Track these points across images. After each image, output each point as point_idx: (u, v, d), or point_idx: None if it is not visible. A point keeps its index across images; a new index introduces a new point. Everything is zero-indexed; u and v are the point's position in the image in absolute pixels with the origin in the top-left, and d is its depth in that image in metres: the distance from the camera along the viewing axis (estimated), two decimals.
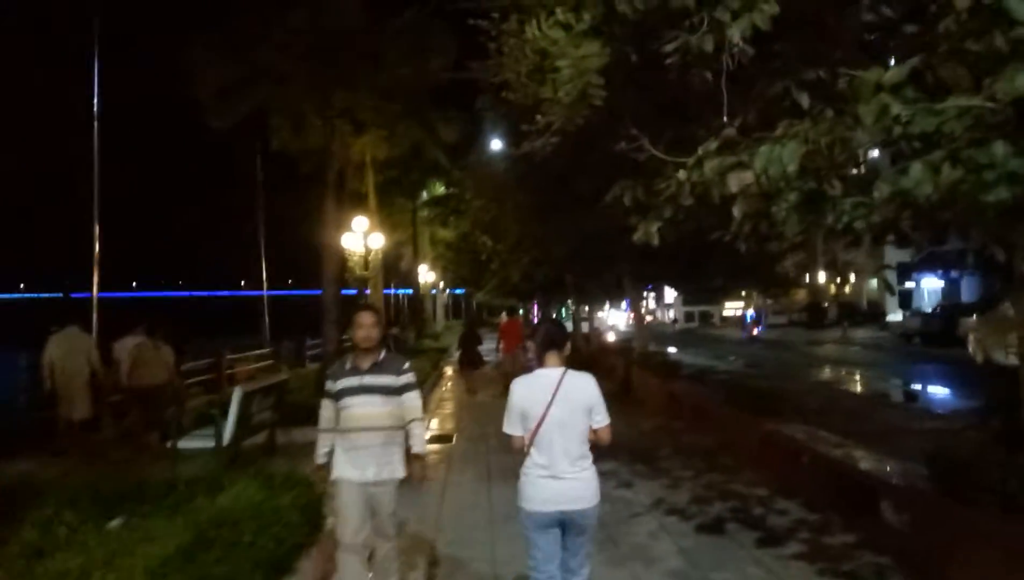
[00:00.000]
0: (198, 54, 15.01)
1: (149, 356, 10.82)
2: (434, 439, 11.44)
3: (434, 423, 13.41)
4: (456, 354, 20.93)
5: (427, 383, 18.09)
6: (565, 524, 3.99)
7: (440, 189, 35.18)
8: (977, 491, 4.75)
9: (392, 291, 58.87)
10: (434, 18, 16.19)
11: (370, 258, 19.67)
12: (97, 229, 15.73)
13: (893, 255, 50.48)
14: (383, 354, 4.80)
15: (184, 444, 8.25)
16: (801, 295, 61.18)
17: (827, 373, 22.80)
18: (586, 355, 22.38)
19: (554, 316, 31.77)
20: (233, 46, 14.68)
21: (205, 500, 5.75)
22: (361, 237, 19.29)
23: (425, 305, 47.21)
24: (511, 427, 4.04)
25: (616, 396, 16.00)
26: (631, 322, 28.21)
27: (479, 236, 21.63)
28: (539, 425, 3.92)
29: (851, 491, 6.47)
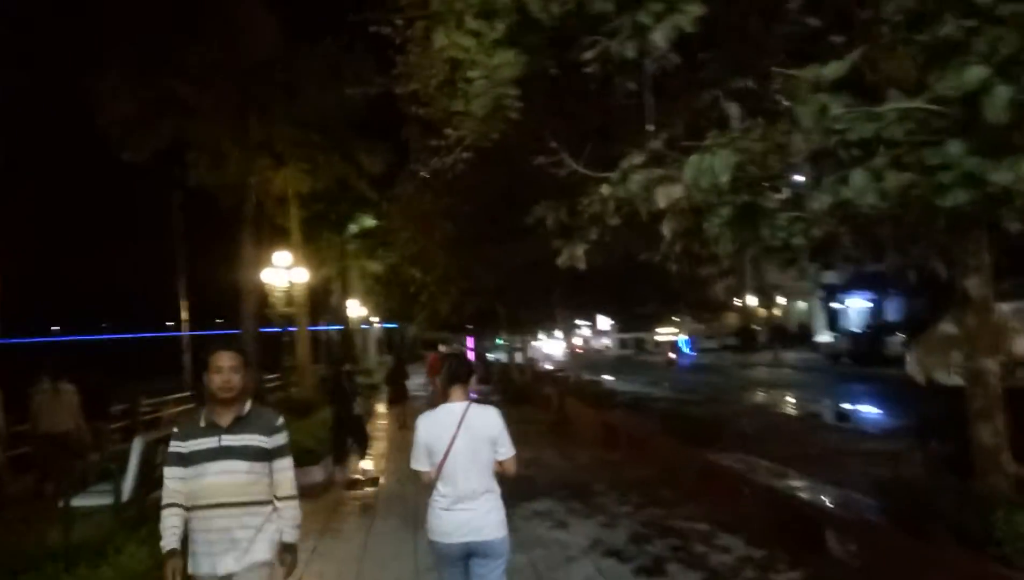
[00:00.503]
0: (102, 84, 14.24)
1: (49, 402, 10.28)
2: (359, 483, 10.80)
3: (362, 463, 12.76)
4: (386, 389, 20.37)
5: None
6: (471, 556, 3.99)
7: (369, 222, 34.53)
8: (930, 522, 4.45)
9: (323, 327, 57.72)
10: (352, 45, 15.75)
11: (294, 293, 18.89)
12: None
13: (824, 276, 51.90)
14: (248, 407, 3.69)
15: (80, 501, 7.45)
16: (732, 319, 62.06)
17: (762, 396, 22.83)
18: (520, 386, 21.96)
19: (478, 349, 31.25)
20: (139, 76, 13.98)
21: (87, 571, 5.09)
22: (283, 272, 18.53)
23: (356, 340, 46.21)
24: (417, 463, 4.08)
25: (552, 427, 15.59)
26: (566, 351, 28.02)
27: (407, 268, 21.09)
28: (444, 458, 3.96)
29: (796, 524, 6.15)
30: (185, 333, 27.62)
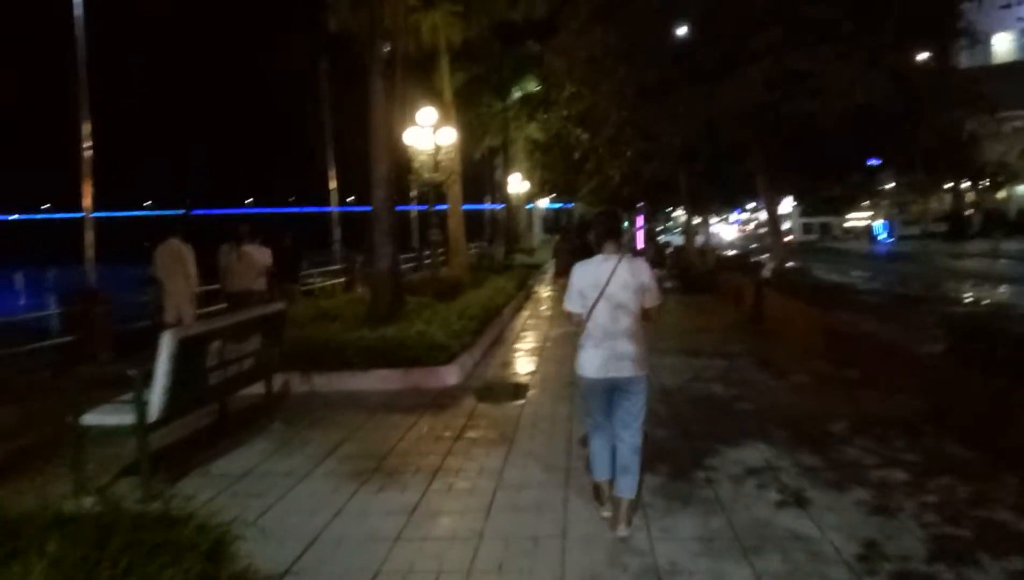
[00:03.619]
0: None
1: (235, 264, 11.99)
2: (496, 392, 8.27)
3: (506, 366, 10.26)
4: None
5: (509, 306, 14.92)
6: (615, 390, 4.47)
7: (532, 86, 31.35)
8: None
9: (487, 206, 55.97)
10: None
11: (442, 158, 16.34)
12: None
13: None
14: None
15: (93, 420, 5.30)
16: (933, 204, 54.74)
17: (1020, 296, 18.26)
18: (701, 272, 18.70)
19: (649, 229, 28.02)
20: None
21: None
22: (429, 133, 15.96)
23: (520, 218, 43.96)
24: (571, 305, 4.56)
25: (748, 327, 12.40)
26: (743, 235, 24.12)
27: (572, 130, 18.01)
28: (596, 301, 4.38)
29: None
30: (335, 208, 26.21)
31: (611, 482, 4.59)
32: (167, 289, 10.96)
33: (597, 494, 4.78)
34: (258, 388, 7.40)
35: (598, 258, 4.50)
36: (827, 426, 6.53)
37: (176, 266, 11.01)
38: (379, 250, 12.19)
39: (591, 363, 4.43)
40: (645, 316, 4.52)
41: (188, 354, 5.40)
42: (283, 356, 8.00)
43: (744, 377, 8.72)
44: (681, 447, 6.10)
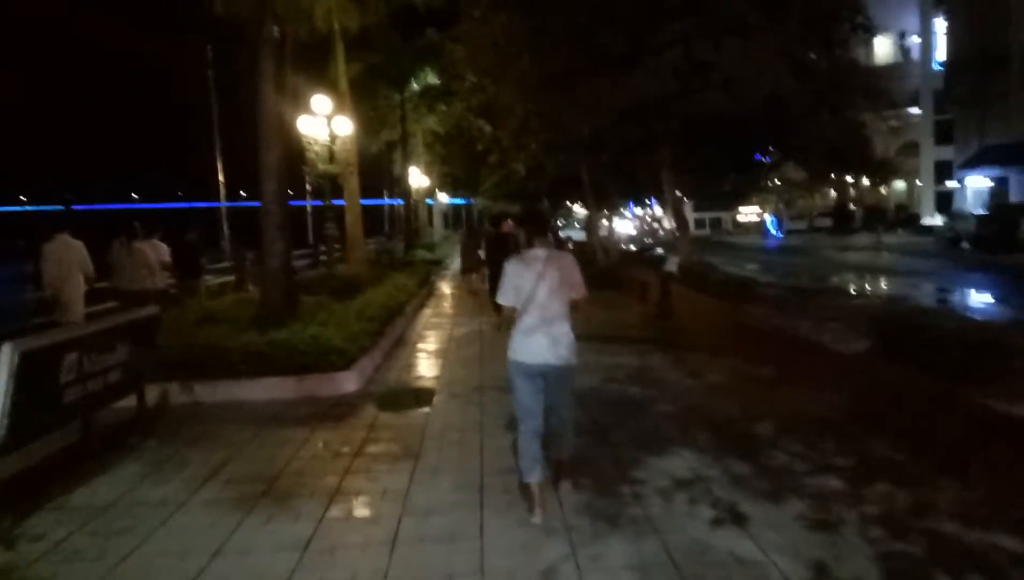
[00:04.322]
0: None
1: (124, 260, 11.43)
2: (399, 399, 7.62)
3: (408, 370, 9.64)
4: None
5: (411, 304, 14.25)
6: (547, 376, 4.64)
7: (433, 79, 30.59)
8: None
9: (386, 201, 54.73)
10: None
11: (338, 149, 15.49)
12: None
13: (932, 153, 46.45)
14: None
15: None
16: (817, 200, 56.84)
17: (911, 287, 18.78)
18: (604, 268, 18.49)
19: (551, 224, 27.91)
20: None
21: None
22: (323, 122, 15.10)
23: (420, 213, 43.10)
24: (504, 298, 4.69)
25: (656, 325, 12.12)
26: (638, 230, 24.15)
27: (474, 121, 17.45)
28: (532, 292, 4.58)
29: None
30: (224, 204, 24.86)
31: (539, 483, 4.58)
32: (57, 287, 10.43)
33: (526, 497, 4.65)
34: (131, 401, 6.58)
35: (530, 254, 4.70)
36: (752, 429, 6.22)
37: (67, 263, 10.53)
38: (269, 247, 11.31)
39: (525, 349, 4.60)
40: (574, 307, 4.74)
41: (36, 369, 4.58)
42: (159, 365, 7.18)
43: (659, 377, 8.37)
44: (601, 455, 5.65)
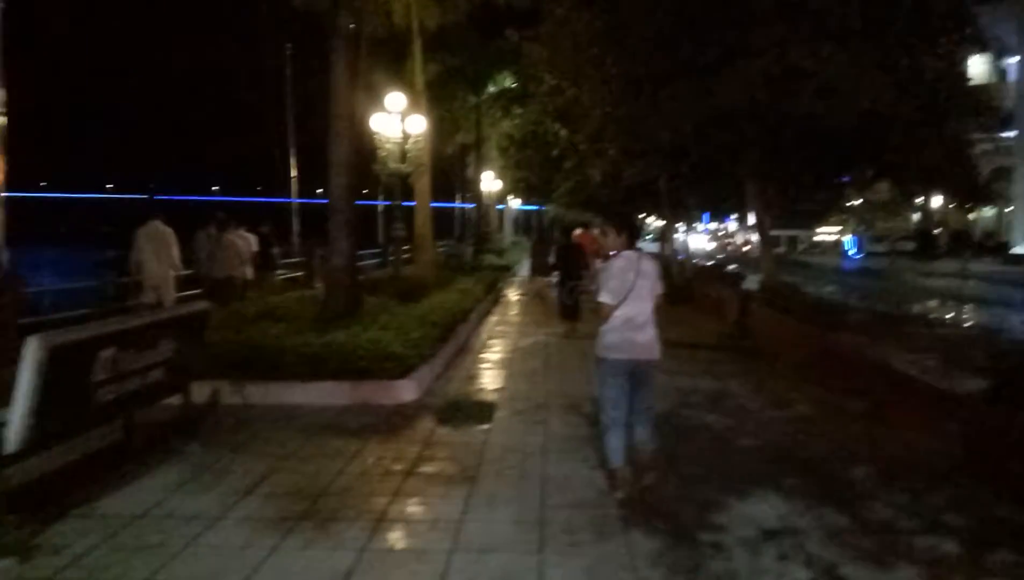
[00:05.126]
0: None
1: (212, 250, 12.30)
2: (458, 413, 7.15)
3: (470, 381, 9.18)
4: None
5: (476, 310, 13.82)
6: (636, 373, 4.99)
7: (509, 82, 30.21)
8: None
9: (457, 205, 54.69)
10: None
11: (410, 148, 15.18)
12: None
13: None
14: None
15: None
16: (899, 222, 54.54)
17: (1005, 319, 17.47)
18: (679, 284, 17.76)
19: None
20: None
21: None
22: (397, 120, 14.81)
23: (490, 218, 42.81)
24: (607, 296, 4.93)
25: (734, 346, 11.37)
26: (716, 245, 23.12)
27: (550, 125, 16.94)
28: (629, 291, 4.91)
29: None
30: (295, 200, 24.93)
31: (624, 466, 4.93)
32: (147, 271, 11.03)
33: (612, 479, 5.05)
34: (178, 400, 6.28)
35: (624, 255, 5.04)
36: (846, 473, 5.54)
37: (160, 249, 11.12)
38: (335, 244, 11.04)
39: (621, 346, 4.92)
40: (657, 301, 5.13)
41: (66, 365, 4.25)
42: (211, 362, 6.86)
43: (739, 404, 7.72)
44: (676, 495, 5.07)
